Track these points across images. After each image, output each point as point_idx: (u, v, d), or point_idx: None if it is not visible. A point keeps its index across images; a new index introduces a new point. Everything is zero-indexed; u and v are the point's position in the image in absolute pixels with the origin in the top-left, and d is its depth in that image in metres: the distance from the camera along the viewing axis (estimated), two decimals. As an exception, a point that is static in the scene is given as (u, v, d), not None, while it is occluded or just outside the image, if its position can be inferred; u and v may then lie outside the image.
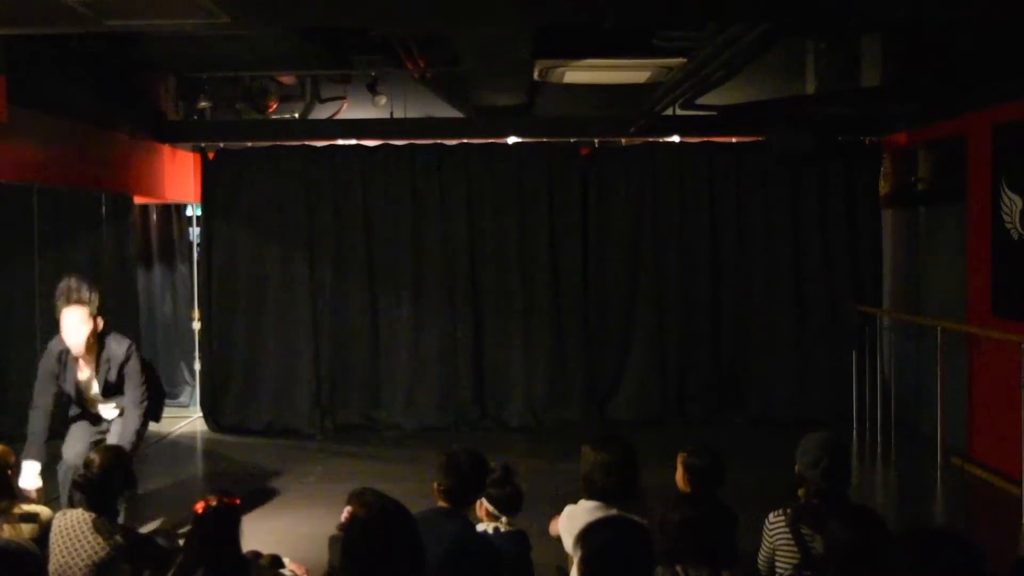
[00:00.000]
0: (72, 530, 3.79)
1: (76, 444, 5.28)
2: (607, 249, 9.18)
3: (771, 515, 3.76)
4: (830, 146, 8.09)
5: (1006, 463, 6.75)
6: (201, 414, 9.29)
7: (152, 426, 5.69)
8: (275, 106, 9.51)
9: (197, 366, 9.61)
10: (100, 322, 5.21)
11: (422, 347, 9.08)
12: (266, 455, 8.15)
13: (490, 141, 9.22)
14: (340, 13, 5.17)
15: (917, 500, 7.02)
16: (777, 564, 3.69)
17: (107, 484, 3.95)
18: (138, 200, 8.95)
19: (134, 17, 4.66)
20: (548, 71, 7.44)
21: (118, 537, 3.81)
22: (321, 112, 9.75)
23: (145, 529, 5.54)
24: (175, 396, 9.61)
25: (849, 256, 9.07)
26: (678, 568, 3.13)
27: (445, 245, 9.09)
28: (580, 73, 7.57)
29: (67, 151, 7.27)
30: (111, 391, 5.31)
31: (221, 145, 9.26)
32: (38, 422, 5.17)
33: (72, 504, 4.03)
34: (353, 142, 9.17)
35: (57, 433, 5.32)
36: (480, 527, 3.98)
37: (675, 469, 4.16)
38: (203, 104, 9.34)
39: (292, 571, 4.43)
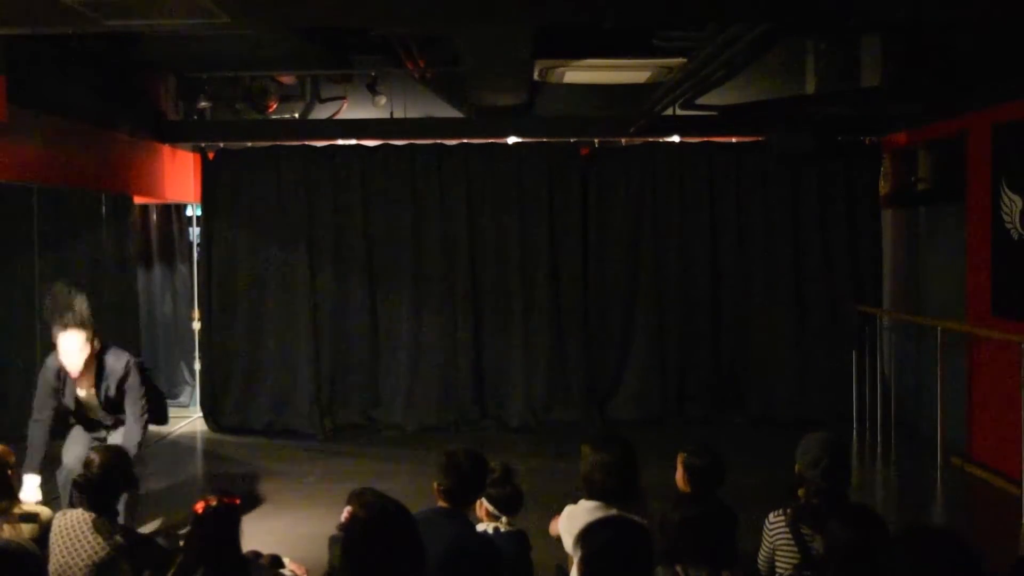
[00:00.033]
0: (72, 530, 3.79)
1: (76, 448, 5.27)
2: (607, 249, 9.18)
3: (771, 515, 3.76)
4: (830, 146, 8.09)
5: (1006, 463, 6.75)
6: (201, 414, 9.29)
7: (152, 426, 5.69)
8: (275, 106, 9.51)
9: (197, 366, 9.61)
10: (97, 343, 5.18)
11: (422, 347, 9.08)
12: (266, 455, 8.15)
13: (490, 141, 9.22)
14: (340, 13, 5.16)
15: (917, 500, 7.02)
16: (777, 564, 3.69)
17: (107, 484, 3.95)
18: (138, 200, 8.95)
19: (134, 17, 4.66)
20: (548, 71, 7.44)
21: (118, 537, 3.81)
22: (321, 112, 9.74)
23: (145, 529, 5.54)
24: (175, 396, 9.63)
25: (849, 256, 9.07)
26: (678, 568, 3.13)
27: (445, 245, 9.09)
28: (580, 73, 7.57)
29: (67, 151, 7.27)
30: (112, 406, 5.31)
31: (221, 145, 9.27)
32: (38, 436, 5.15)
33: (72, 504, 4.03)
34: (353, 142, 9.17)
35: (57, 433, 5.32)
36: (480, 527, 3.98)
37: (675, 469, 4.16)
38: (203, 104, 9.34)
39: (292, 571, 4.43)
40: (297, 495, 6.88)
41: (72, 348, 5.05)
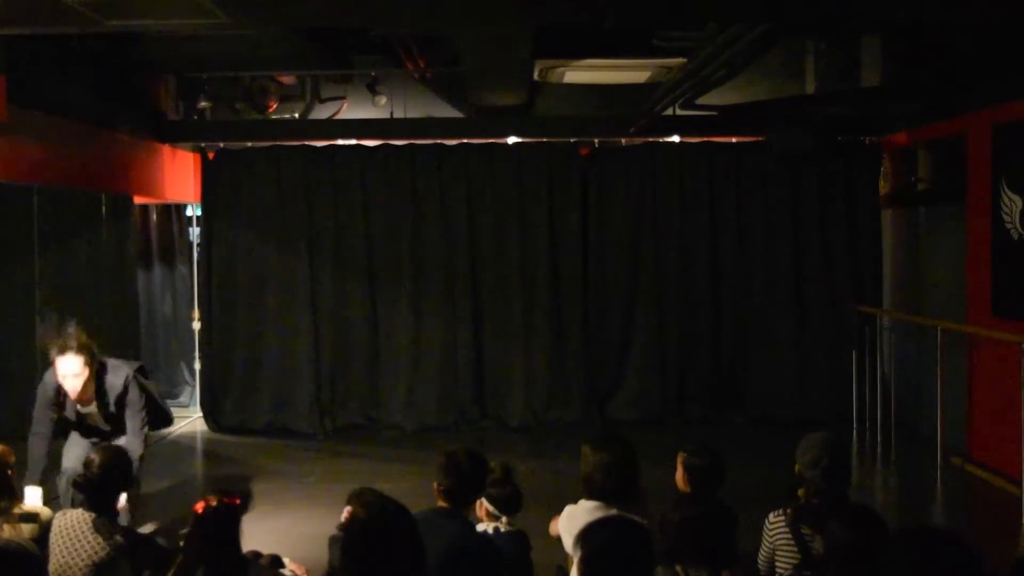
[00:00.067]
0: (72, 530, 3.79)
1: (75, 450, 5.27)
2: (607, 249, 9.18)
3: (771, 515, 3.76)
4: (830, 146, 8.09)
5: (1006, 463, 6.75)
6: (201, 414, 9.29)
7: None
8: (275, 106, 9.51)
9: (197, 366, 9.61)
10: (96, 363, 5.15)
11: (422, 347, 9.08)
12: (266, 455, 8.15)
13: (490, 141, 9.22)
14: (340, 13, 5.16)
15: (917, 500, 7.02)
16: (777, 564, 3.69)
17: (107, 484, 3.95)
18: (138, 200, 8.95)
19: (134, 17, 4.66)
20: (548, 71, 7.45)
21: (118, 537, 3.81)
22: (321, 112, 9.74)
23: (145, 529, 5.53)
24: (175, 396, 9.62)
25: (849, 256, 9.07)
26: (678, 568, 3.13)
27: (445, 245, 9.09)
28: (580, 73, 7.57)
29: (67, 151, 7.27)
30: (114, 420, 5.30)
31: (221, 145, 9.27)
32: (38, 449, 5.13)
33: (72, 504, 4.03)
34: (353, 142, 9.17)
35: (57, 433, 5.31)
36: (480, 527, 3.98)
37: (675, 469, 4.16)
38: (203, 104, 9.34)
39: (292, 571, 4.42)
40: (297, 495, 6.88)
41: (70, 372, 5.02)
